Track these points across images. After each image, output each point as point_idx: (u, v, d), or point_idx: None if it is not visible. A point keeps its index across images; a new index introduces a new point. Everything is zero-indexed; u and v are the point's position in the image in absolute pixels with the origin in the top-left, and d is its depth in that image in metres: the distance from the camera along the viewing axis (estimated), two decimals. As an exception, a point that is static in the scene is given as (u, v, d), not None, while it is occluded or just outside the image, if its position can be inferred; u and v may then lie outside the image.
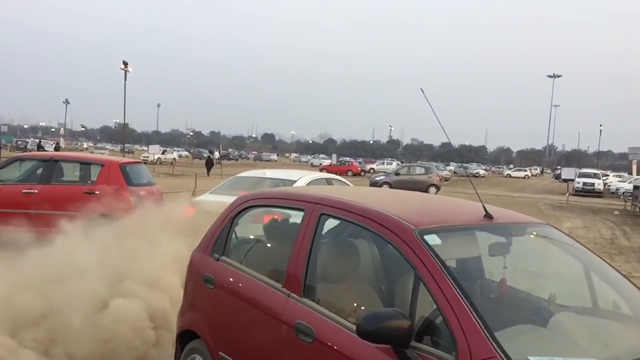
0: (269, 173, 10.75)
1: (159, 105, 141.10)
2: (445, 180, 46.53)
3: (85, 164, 9.74)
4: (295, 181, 9.07)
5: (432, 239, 2.68)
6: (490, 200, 27.12)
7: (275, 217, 3.96)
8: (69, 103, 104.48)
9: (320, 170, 50.50)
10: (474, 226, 3.05)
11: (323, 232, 3.23)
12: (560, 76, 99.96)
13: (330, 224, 3.29)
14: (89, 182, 9.38)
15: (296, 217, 3.39)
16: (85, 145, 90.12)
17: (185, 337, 3.85)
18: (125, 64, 41.48)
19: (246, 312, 3.35)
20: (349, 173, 49.08)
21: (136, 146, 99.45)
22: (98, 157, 12.39)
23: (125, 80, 41.28)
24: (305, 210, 3.28)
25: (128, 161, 10.55)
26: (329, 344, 2.74)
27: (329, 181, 9.98)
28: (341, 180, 10.74)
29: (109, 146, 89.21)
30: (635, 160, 41.22)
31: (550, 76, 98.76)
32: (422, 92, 3.38)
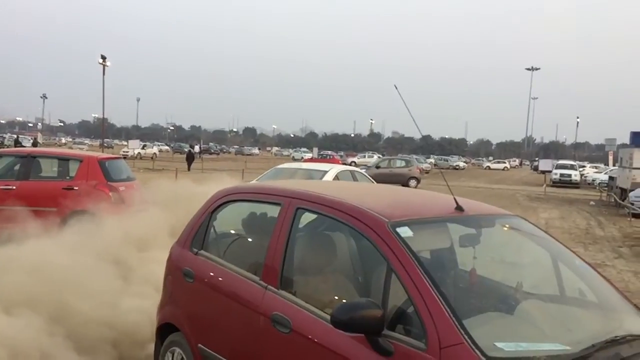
0: (305, 165, 13.51)
1: (138, 100, 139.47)
2: (426, 172, 46.84)
3: (64, 160, 9.68)
4: (326, 172, 11.00)
5: (404, 231, 2.77)
6: (470, 192, 27.53)
7: (254, 211, 4.03)
8: (46, 98, 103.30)
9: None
10: (445, 218, 3.15)
11: (299, 226, 3.31)
12: (539, 69, 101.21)
13: (307, 217, 3.36)
14: (68, 178, 9.33)
15: (274, 211, 3.46)
16: (63, 141, 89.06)
17: (164, 330, 3.90)
18: (104, 58, 41.06)
19: (225, 304, 3.41)
20: (330, 166, 49.07)
21: (116, 141, 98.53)
22: (76, 152, 12.30)
23: (104, 74, 40.86)
24: (282, 204, 3.35)
25: (107, 157, 10.50)
26: (305, 334, 2.82)
27: (352, 173, 11.98)
28: (363, 173, 12.57)
29: (87, 141, 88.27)
30: (612, 152, 41.84)
31: (528, 69, 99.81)
32: (396, 88, 3.46)
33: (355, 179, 11.64)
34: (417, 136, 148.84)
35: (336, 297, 3.04)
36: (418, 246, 2.76)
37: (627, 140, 26.35)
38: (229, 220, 4.11)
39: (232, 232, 4.09)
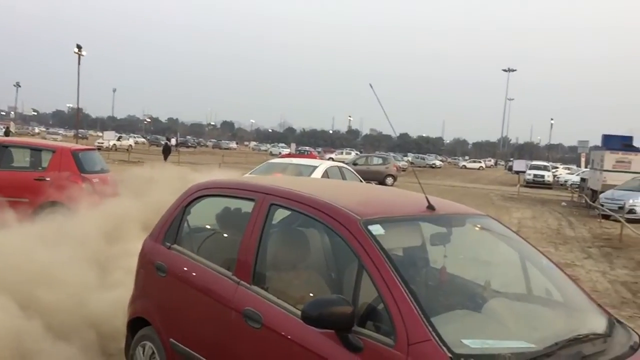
0: (295, 160, 13.71)
1: (114, 90, 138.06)
2: (403, 170, 47.16)
3: (36, 150, 9.54)
4: (316, 167, 11.57)
5: (376, 229, 2.81)
6: (446, 190, 27.84)
7: (228, 206, 4.03)
8: (19, 86, 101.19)
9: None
10: (416, 217, 3.19)
11: (273, 222, 3.32)
12: (515, 70, 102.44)
13: (281, 213, 3.37)
14: (40, 168, 9.20)
15: (248, 206, 3.47)
16: (37, 130, 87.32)
17: (135, 324, 3.88)
18: (79, 47, 40.38)
19: (197, 299, 3.41)
20: (308, 162, 49.04)
21: (90, 132, 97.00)
22: (49, 143, 12.12)
23: (79, 64, 40.19)
24: (256, 200, 3.36)
25: (80, 148, 10.38)
26: (276, 329, 2.84)
27: (340, 169, 12.54)
28: (350, 170, 13.23)
29: (61, 131, 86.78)
30: (584, 154, 42.66)
31: (505, 70, 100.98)
32: (371, 87, 3.49)
33: (343, 174, 12.19)
34: (396, 134, 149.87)
35: (308, 294, 3.06)
36: (389, 244, 2.80)
37: (599, 143, 26.86)
38: (203, 215, 4.10)
39: (206, 226, 4.08)
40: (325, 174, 11.27)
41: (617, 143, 24.13)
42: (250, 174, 11.72)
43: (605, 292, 8.58)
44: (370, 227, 2.80)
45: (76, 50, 40.66)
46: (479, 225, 3.46)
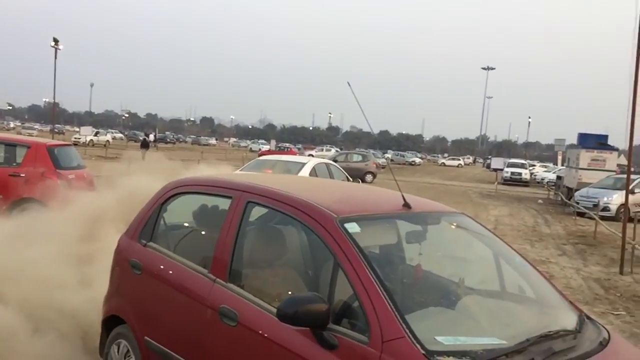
0: (284, 157, 14.37)
1: (92, 85, 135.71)
2: (382, 167, 47.37)
3: (11, 145, 9.37)
4: (304, 164, 12.04)
5: (352, 227, 2.82)
6: (425, 188, 28.02)
7: (205, 203, 4.01)
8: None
9: (259, 156, 50.47)
10: (392, 215, 3.21)
11: (250, 220, 3.32)
12: (494, 69, 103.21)
13: (258, 211, 3.37)
14: (14, 164, 9.05)
15: (225, 204, 3.46)
16: (12, 125, 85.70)
17: (110, 322, 3.85)
18: (56, 41, 39.72)
19: (172, 297, 3.40)
20: (287, 159, 48.97)
21: (67, 127, 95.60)
22: (24, 138, 11.94)
23: (56, 58, 39.55)
24: (232, 197, 3.35)
25: (56, 143, 10.23)
26: (252, 327, 2.84)
27: (328, 166, 12.97)
28: (337, 167, 13.81)
29: (37, 126, 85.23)
30: (561, 152, 43.27)
31: (484, 68, 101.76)
32: (349, 85, 3.50)
33: (330, 171, 12.70)
34: (375, 131, 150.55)
35: (284, 291, 3.07)
36: (365, 242, 2.82)
37: (575, 141, 27.27)
38: (180, 212, 4.08)
39: (183, 224, 4.06)
40: (313, 171, 11.61)
41: (593, 142, 24.56)
42: (240, 170, 12.05)
43: (579, 289, 8.74)
44: (347, 225, 2.81)
45: (53, 43, 40.01)
46: (454, 223, 3.50)
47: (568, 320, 2.95)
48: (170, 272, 3.47)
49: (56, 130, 57.80)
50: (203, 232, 3.85)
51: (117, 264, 3.97)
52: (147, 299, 3.63)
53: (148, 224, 3.84)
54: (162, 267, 3.54)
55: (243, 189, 3.35)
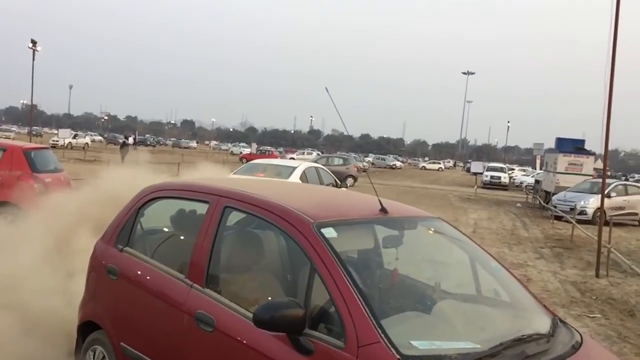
0: (275, 161, 15.19)
1: (71, 87, 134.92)
2: (364, 171, 47.50)
3: (-14, 149, 9.22)
4: (295, 168, 12.61)
5: (329, 232, 2.83)
6: (405, 191, 28.18)
7: (182, 208, 3.99)
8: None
9: (240, 160, 50.88)
10: (369, 220, 3.23)
11: (227, 225, 3.31)
12: (474, 73, 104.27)
13: (236, 216, 3.37)
14: (-10, 167, 8.90)
15: (202, 208, 3.45)
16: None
17: (86, 328, 3.81)
18: (34, 42, 39.13)
19: (148, 302, 3.37)
20: (269, 162, 48.86)
21: (45, 129, 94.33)
22: (0, 141, 11.75)
23: (34, 60, 38.98)
24: (210, 202, 3.34)
25: (33, 146, 10.11)
26: (229, 333, 2.83)
27: (317, 170, 13.61)
28: (326, 171, 14.45)
29: (15, 128, 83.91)
30: (539, 156, 43.84)
31: (464, 73, 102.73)
32: (327, 90, 3.52)
33: (319, 175, 13.38)
34: (356, 135, 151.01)
35: (261, 296, 3.06)
36: (342, 247, 2.83)
37: (553, 145, 27.64)
38: (158, 217, 4.06)
39: (160, 229, 4.04)
40: (304, 175, 12.21)
41: (570, 146, 24.93)
42: (233, 173, 12.47)
43: (556, 292, 8.85)
44: (323, 230, 2.82)
45: (30, 45, 39.43)
46: (430, 228, 3.53)
47: (542, 324, 2.99)
48: (147, 277, 3.45)
49: (34, 132, 57.00)
50: (180, 237, 3.83)
51: (93, 269, 3.93)
52: (123, 304, 3.60)
53: (125, 228, 3.81)
54: (138, 272, 3.52)
55: (220, 193, 3.34)
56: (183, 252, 3.42)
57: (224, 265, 3.27)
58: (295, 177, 12.11)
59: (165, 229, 4.01)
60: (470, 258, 3.40)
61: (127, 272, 3.59)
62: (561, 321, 3.10)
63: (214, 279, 3.13)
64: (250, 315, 2.73)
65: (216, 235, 3.19)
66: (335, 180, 14.29)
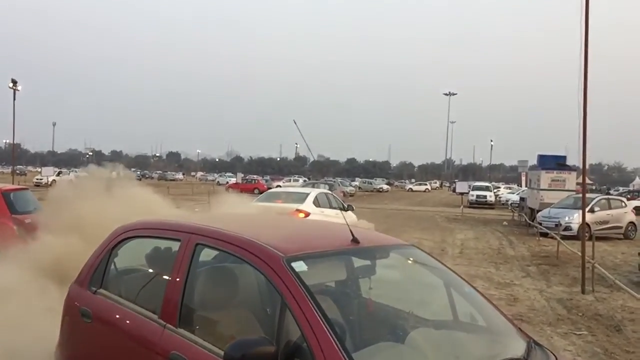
0: (290, 189, 19.20)
1: (54, 124, 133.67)
2: (350, 195, 47.60)
3: (-37, 192, 9.13)
4: (308, 194, 14.60)
5: (299, 266, 2.82)
6: (392, 214, 28.23)
7: (158, 246, 3.96)
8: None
9: (227, 189, 50.80)
10: (340, 251, 3.22)
11: (199, 262, 3.29)
12: (456, 94, 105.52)
13: (207, 253, 3.35)
14: (-32, 211, 8.80)
15: (177, 246, 3.43)
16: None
17: (61, 374, 3.74)
18: (14, 82, 39.14)
19: (123, 345, 3.33)
20: (256, 191, 48.92)
21: (29, 167, 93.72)
22: (-21, 183, 11.63)
23: (15, 99, 38.93)
24: (181, 240, 3.33)
25: (11, 188, 10.01)
26: None
27: (327, 195, 15.68)
28: (335, 196, 16.40)
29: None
30: (524, 173, 44.21)
31: (446, 94, 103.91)
32: (295, 123, 3.56)
33: (329, 200, 15.28)
34: (343, 159, 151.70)
35: (234, 334, 3.03)
36: (313, 280, 2.82)
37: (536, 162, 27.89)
38: (134, 256, 4.03)
39: (135, 268, 4.00)
40: (316, 200, 14.17)
41: (552, 162, 25.17)
42: (255, 202, 14.51)
43: (542, 310, 8.85)
44: (294, 264, 2.81)
45: (11, 85, 39.42)
46: (403, 256, 3.53)
47: (517, 347, 2.98)
48: (121, 319, 3.41)
49: (17, 171, 56.55)
50: (155, 276, 3.80)
51: (67, 312, 3.88)
52: (97, 348, 3.55)
53: (98, 269, 3.77)
54: (112, 314, 3.48)
55: (191, 230, 3.34)
56: (156, 292, 3.39)
57: (197, 304, 3.24)
58: (309, 202, 13.96)
59: (140, 269, 3.98)
60: (445, 283, 3.40)
61: (100, 315, 3.55)
62: (536, 343, 3.10)
63: (187, 318, 3.10)
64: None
65: (188, 274, 3.17)
66: (343, 205, 15.80)
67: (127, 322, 3.35)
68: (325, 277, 3.14)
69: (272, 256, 2.86)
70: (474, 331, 3.19)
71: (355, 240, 3.17)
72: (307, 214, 13.33)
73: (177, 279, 3.18)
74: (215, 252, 3.37)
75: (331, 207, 14.78)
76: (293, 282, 2.71)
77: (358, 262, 3.27)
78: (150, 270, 3.90)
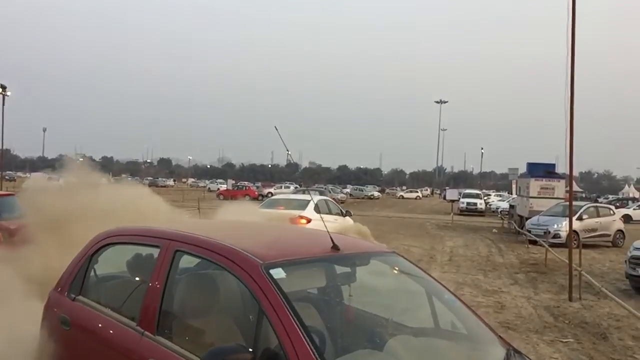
0: (292, 195, 19.70)
1: (44, 130, 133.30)
2: (341, 202, 47.60)
3: (-53, 198, 9.05)
4: (309, 200, 14.41)
5: (277, 273, 2.80)
6: (383, 221, 28.21)
7: (139, 252, 3.93)
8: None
9: (217, 196, 50.87)
10: (320, 258, 3.20)
11: (178, 269, 3.27)
12: (447, 102, 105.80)
13: (186, 259, 3.33)
14: (-49, 217, 8.72)
15: (156, 253, 3.40)
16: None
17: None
18: (4, 87, 38.84)
19: (101, 353, 3.29)
20: (247, 197, 48.82)
21: (19, 173, 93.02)
22: (-35, 188, 11.53)
23: (4, 104, 38.65)
24: (160, 246, 3.30)
25: (-3, 193, 9.93)
26: None
27: (326, 202, 16.39)
28: (334, 203, 17.26)
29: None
30: (514, 180, 44.41)
31: (437, 102, 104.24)
32: (276, 129, 3.55)
33: (329, 206, 15.92)
34: (334, 166, 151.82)
35: (212, 341, 3.01)
36: (291, 287, 2.80)
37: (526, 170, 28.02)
38: (115, 263, 3.99)
39: (115, 275, 3.97)
40: (317, 206, 13.95)
41: (541, 170, 25.30)
42: (259, 208, 14.85)
43: (529, 318, 8.86)
44: (272, 271, 2.79)
45: (0, 90, 39.14)
46: (384, 263, 3.52)
47: (496, 355, 2.98)
48: (99, 326, 3.37)
49: (7, 177, 56.07)
50: (134, 283, 3.76)
51: (46, 319, 3.83)
52: (75, 356, 3.51)
53: (77, 276, 3.74)
54: (90, 321, 3.44)
55: (171, 237, 3.31)
56: (135, 299, 3.36)
57: (176, 311, 3.21)
58: (310, 208, 14.22)
59: (121, 275, 3.94)
60: (426, 291, 3.39)
61: (79, 322, 3.51)
62: (516, 351, 3.10)
63: (165, 326, 3.07)
64: (200, 361, 2.68)
65: (167, 281, 3.14)
66: (341, 211, 16.49)
67: (105, 329, 3.32)
68: (305, 284, 3.12)
69: (250, 263, 2.84)
70: (454, 339, 3.18)
71: (335, 247, 3.15)
72: (309, 220, 13.63)
73: (156, 286, 3.15)
74: (192, 259, 3.35)
75: (330, 213, 15.39)
76: (271, 289, 2.69)
77: (338, 269, 3.25)
78: (130, 277, 3.87)
